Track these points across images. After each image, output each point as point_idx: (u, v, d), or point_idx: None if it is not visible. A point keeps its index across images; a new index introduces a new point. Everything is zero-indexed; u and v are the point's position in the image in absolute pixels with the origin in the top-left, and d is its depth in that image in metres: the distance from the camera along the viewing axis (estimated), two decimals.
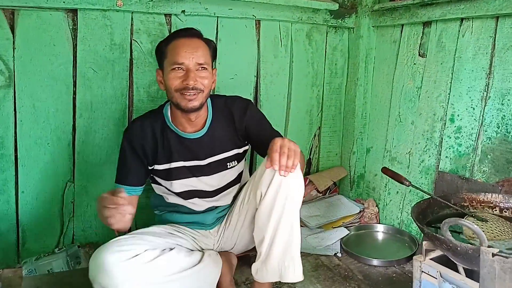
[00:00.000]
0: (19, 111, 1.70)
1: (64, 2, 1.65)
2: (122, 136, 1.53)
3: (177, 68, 1.42)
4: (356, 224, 2.21)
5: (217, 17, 1.98)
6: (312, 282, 1.76)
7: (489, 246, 1.08)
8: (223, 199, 1.64)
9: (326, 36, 2.32)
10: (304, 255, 1.95)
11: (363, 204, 2.29)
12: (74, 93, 1.77)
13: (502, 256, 1.06)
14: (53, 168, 1.79)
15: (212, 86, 1.51)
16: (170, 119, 1.53)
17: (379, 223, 2.21)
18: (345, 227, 2.16)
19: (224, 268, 1.61)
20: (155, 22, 1.86)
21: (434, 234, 1.21)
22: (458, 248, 1.15)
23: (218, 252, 1.66)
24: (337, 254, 1.96)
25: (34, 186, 1.76)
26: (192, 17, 1.91)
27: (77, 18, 1.72)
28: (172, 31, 1.87)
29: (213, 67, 1.52)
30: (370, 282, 1.75)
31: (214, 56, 1.53)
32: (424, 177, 1.99)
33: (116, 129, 1.87)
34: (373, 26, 2.27)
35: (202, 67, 1.44)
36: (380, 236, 2.14)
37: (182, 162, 1.53)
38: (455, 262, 1.28)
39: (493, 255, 1.07)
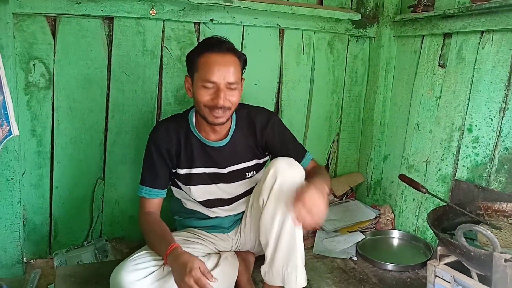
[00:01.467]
0: (57, 111, 1.81)
1: (102, 10, 1.76)
2: (147, 141, 1.56)
3: (208, 85, 1.42)
4: (372, 229, 2.25)
5: (243, 25, 2.07)
6: (328, 283, 1.81)
7: (501, 253, 1.13)
8: (240, 207, 1.69)
9: (348, 45, 2.38)
10: (320, 257, 2.02)
11: (379, 210, 2.33)
12: (108, 95, 1.88)
13: None
14: (85, 165, 1.89)
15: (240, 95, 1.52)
16: (194, 125, 1.56)
17: (395, 229, 2.25)
18: (361, 231, 2.20)
19: (241, 267, 1.68)
20: (185, 30, 1.96)
21: (449, 239, 1.26)
22: (472, 253, 1.20)
23: (236, 252, 1.73)
24: (353, 258, 2.01)
25: (67, 182, 1.87)
26: (220, 25, 2.00)
27: (112, 25, 1.83)
28: (201, 39, 1.96)
29: (242, 78, 1.53)
30: (384, 286, 1.79)
31: (244, 68, 1.53)
32: (441, 185, 2.03)
33: (145, 130, 1.95)
34: (394, 36, 2.32)
35: (232, 85, 1.44)
36: (395, 242, 2.19)
37: (203, 168, 1.57)
38: (468, 267, 1.33)
39: (506, 260, 1.12)
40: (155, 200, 1.53)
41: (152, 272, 1.39)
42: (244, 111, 1.60)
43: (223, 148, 1.56)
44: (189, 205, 1.65)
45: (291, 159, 1.48)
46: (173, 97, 2.00)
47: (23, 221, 1.77)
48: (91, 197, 1.93)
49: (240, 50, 1.58)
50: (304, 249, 1.51)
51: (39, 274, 1.29)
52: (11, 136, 1.45)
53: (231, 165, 1.59)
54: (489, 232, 1.14)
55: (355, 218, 2.27)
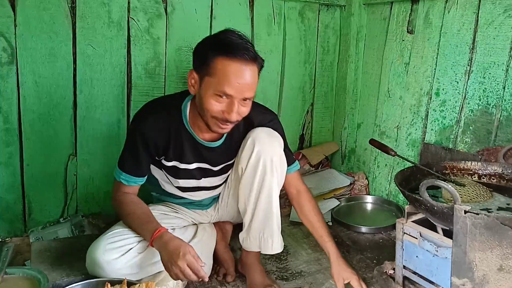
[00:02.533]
0: (22, 87, 1.76)
1: None
2: (132, 123, 1.47)
3: (221, 96, 1.27)
4: (347, 195, 2.31)
5: None
6: (304, 248, 1.87)
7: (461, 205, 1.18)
8: (220, 190, 1.68)
9: (318, 14, 2.38)
10: (296, 224, 2.07)
11: (354, 177, 2.39)
12: (74, 69, 1.84)
13: (473, 212, 1.16)
14: (56, 142, 1.86)
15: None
16: (188, 119, 1.42)
17: (369, 195, 2.31)
18: (336, 198, 2.26)
19: (218, 236, 1.71)
20: (151, 0, 1.92)
21: (414, 196, 1.30)
22: (435, 208, 1.25)
23: (215, 223, 1.76)
24: (328, 223, 2.06)
25: (38, 159, 1.84)
26: None
27: None
28: (169, 10, 1.92)
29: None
30: (358, 247, 1.86)
31: (260, 70, 1.36)
32: (411, 149, 2.08)
33: (116, 105, 1.94)
34: (364, 4, 2.33)
35: (248, 100, 1.31)
36: (369, 206, 2.25)
37: (193, 164, 1.50)
38: (433, 222, 1.38)
39: (465, 212, 1.17)
40: (133, 187, 1.47)
41: (129, 250, 1.40)
42: None
43: (217, 148, 1.49)
44: (168, 188, 1.60)
45: (270, 130, 1.48)
46: (143, 70, 1.97)
47: None
48: (64, 173, 1.90)
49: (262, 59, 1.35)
50: (282, 217, 1.54)
51: (12, 248, 1.29)
52: None
53: (223, 163, 1.56)
54: (449, 185, 1.19)
55: (330, 186, 2.32)
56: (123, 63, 1.92)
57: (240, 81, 1.24)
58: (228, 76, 1.23)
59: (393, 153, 1.71)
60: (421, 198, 1.27)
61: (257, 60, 1.29)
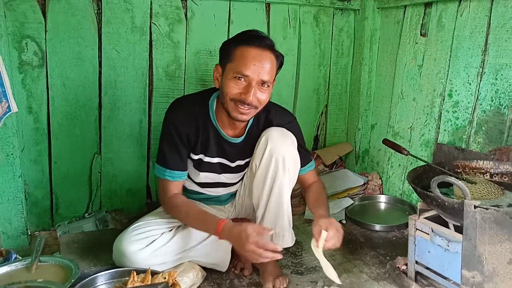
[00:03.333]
0: (51, 89, 1.87)
1: None
2: (165, 120, 1.53)
3: (239, 78, 1.38)
4: (361, 195, 2.36)
5: (230, 0, 2.12)
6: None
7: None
8: (237, 186, 1.75)
9: (333, 18, 2.44)
10: (311, 221, 2.10)
11: (367, 177, 2.43)
12: (100, 72, 1.94)
13: (483, 207, 1.21)
14: (81, 141, 1.97)
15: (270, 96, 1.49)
16: (214, 115, 1.53)
17: (382, 194, 2.35)
18: (350, 197, 2.31)
19: None
20: (172, 6, 2.01)
21: (425, 192, 1.35)
22: (446, 203, 1.29)
23: (233, 219, 1.82)
24: (342, 221, 2.11)
25: (65, 157, 1.94)
26: (207, 1, 2.05)
27: (101, 3, 1.88)
28: (189, 15, 2.01)
29: (275, 79, 1.49)
30: (371, 244, 1.90)
31: (279, 68, 1.48)
32: (424, 150, 2.12)
33: (138, 106, 2.03)
34: (378, 8, 2.38)
35: (264, 84, 1.40)
36: (382, 205, 2.29)
37: (215, 158, 1.59)
38: (445, 218, 1.43)
39: (475, 207, 1.21)
40: (179, 182, 1.55)
41: (153, 241, 1.50)
42: (265, 109, 1.52)
43: (238, 144, 1.58)
44: (188, 184, 1.67)
45: (284, 129, 1.54)
46: (164, 72, 2.06)
47: (25, 195, 1.84)
48: (89, 171, 2.00)
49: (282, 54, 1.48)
50: (297, 215, 1.60)
51: (44, 239, 1.38)
52: (10, 112, 1.52)
53: (240, 160, 1.63)
54: (459, 181, 1.24)
55: (344, 185, 2.36)
56: (145, 66, 2.02)
57: (256, 63, 1.36)
58: (245, 59, 1.37)
59: (406, 152, 1.75)
60: (433, 194, 1.31)
61: (273, 49, 1.43)
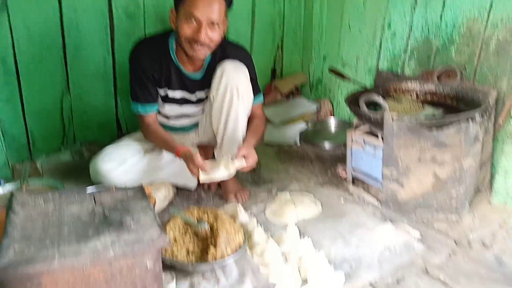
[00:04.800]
0: (15, 32, 1.94)
1: None
2: (130, 60, 1.69)
3: (190, 20, 1.51)
4: (314, 120, 2.61)
5: None
6: (276, 162, 2.20)
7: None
8: (200, 117, 1.94)
9: None
10: (269, 145, 2.38)
11: (320, 103, 2.68)
12: (61, 14, 2.01)
13: (398, 119, 1.48)
14: (50, 80, 2.08)
15: (222, 35, 1.62)
16: (175, 53, 1.69)
17: (333, 118, 2.61)
18: (304, 122, 2.56)
19: (202, 155, 2.00)
20: None
21: (356, 108, 1.60)
22: (372, 118, 1.55)
23: (198, 145, 2.04)
24: (296, 143, 2.38)
25: (35, 96, 2.07)
26: None
27: None
28: None
29: (226, 18, 1.61)
30: (320, 159, 2.20)
31: (228, 9, 1.61)
32: (368, 76, 2.37)
33: (101, 45, 2.14)
34: None
35: (214, 24, 1.53)
36: (332, 128, 2.57)
37: (177, 92, 1.75)
38: (373, 131, 1.70)
39: (393, 119, 1.48)
40: (152, 114, 1.76)
41: (125, 160, 1.73)
42: (221, 46, 1.66)
43: (197, 78, 1.74)
44: (157, 118, 1.86)
45: (237, 62, 1.71)
46: (124, 13, 2.15)
47: (2, 132, 1.97)
48: (60, 108, 2.15)
49: None
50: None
51: (29, 166, 1.56)
52: None
53: (200, 92, 1.80)
54: (380, 98, 1.49)
55: (299, 111, 2.61)
56: (105, 7, 2.10)
57: (205, 5, 1.50)
58: (195, 1, 1.50)
59: (347, 78, 1.99)
60: (362, 111, 1.57)
61: None
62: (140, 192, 1.04)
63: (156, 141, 1.75)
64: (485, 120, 1.57)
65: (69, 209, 0.94)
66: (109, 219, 0.91)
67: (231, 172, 1.54)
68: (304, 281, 1.32)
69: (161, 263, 0.87)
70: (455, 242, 1.48)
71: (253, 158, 1.60)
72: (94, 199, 1.00)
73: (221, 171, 1.51)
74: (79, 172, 1.87)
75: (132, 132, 2.01)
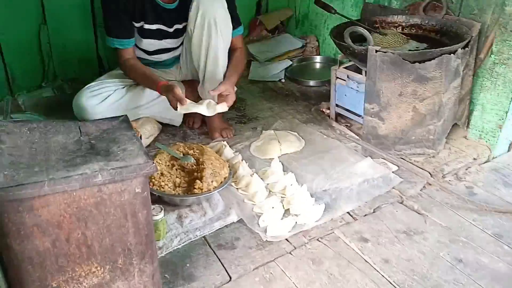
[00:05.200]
0: None
1: None
2: None
3: None
4: (299, 56, 2.59)
5: None
6: (260, 100, 2.20)
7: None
8: (180, 50, 1.89)
9: None
10: (254, 82, 2.38)
11: (306, 40, 2.64)
12: None
13: (381, 51, 1.48)
14: (24, 11, 1.99)
15: None
16: None
17: (318, 55, 2.59)
18: (289, 59, 2.54)
19: (187, 92, 1.99)
20: None
21: (341, 42, 1.59)
22: (356, 51, 1.55)
23: (182, 81, 2.02)
24: (281, 80, 2.38)
25: (10, 29, 1.98)
26: None
27: None
28: None
29: None
30: (305, 97, 2.21)
31: None
32: (355, 10, 2.32)
33: None
34: None
35: None
36: (318, 65, 2.56)
37: (153, 25, 1.70)
38: (358, 66, 1.71)
39: (376, 51, 1.48)
40: (129, 49, 1.71)
41: (108, 97, 1.72)
42: None
43: (173, 9, 1.69)
44: (137, 53, 1.79)
45: None
46: None
47: None
48: (38, 42, 2.07)
49: None
50: (241, 77, 1.80)
51: (11, 100, 1.54)
52: None
53: (177, 24, 1.74)
54: (365, 30, 1.47)
55: (284, 48, 2.57)
56: None
57: None
58: None
59: (333, 11, 1.95)
60: (346, 44, 1.56)
61: None
62: (125, 123, 1.05)
63: (136, 76, 1.72)
64: (467, 54, 1.58)
65: (55, 138, 0.95)
66: (95, 148, 0.92)
67: (210, 113, 1.54)
68: (287, 211, 1.38)
69: (148, 190, 0.90)
70: (430, 174, 1.55)
71: (232, 98, 1.60)
72: (80, 129, 1.00)
73: (201, 108, 1.51)
74: (62, 108, 1.85)
75: (114, 68, 1.97)
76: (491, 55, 1.59)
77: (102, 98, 1.71)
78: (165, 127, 1.90)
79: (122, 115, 1.10)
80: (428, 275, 1.14)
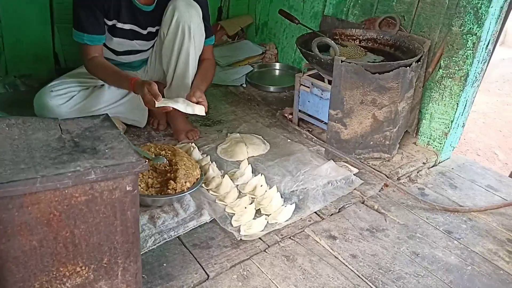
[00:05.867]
0: None
1: None
2: None
3: None
4: (259, 63, 2.66)
5: None
6: (223, 103, 2.23)
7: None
8: (148, 53, 1.88)
9: None
10: (216, 86, 2.40)
11: (265, 47, 2.72)
12: None
13: (347, 62, 1.58)
14: None
15: None
16: None
17: (277, 62, 2.68)
18: (250, 65, 2.60)
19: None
20: None
21: (308, 52, 1.68)
22: (322, 60, 1.64)
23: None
24: (243, 85, 2.43)
25: None
26: None
27: None
28: None
29: None
30: (266, 102, 2.28)
31: None
32: (313, 21, 2.43)
33: None
34: None
35: None
36: (277, 72, 2.64)
37: (127, 25, 1.68)
38: (322, 75, 1.80)
39: (342, 61, 1.58)
40: (98, 46, 1.64)
41: (72, 97, 1.67)
42: None
43: (149, 12, 1.67)
44: (104, 52, 1.72)
45: (190, 0, 1.66)
46: None
47: None
48: None
49: None
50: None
51: None
52: None
53: (151, 27, 1.73)
54: (331, 41, 1.57)
55: (245, 54, 2.63)
56: None
57: None
58: None
59: (297, 21, 2.04)
60: (313, 53, 1.65)
61: None
62: (108, 121, 1.04)
63: (105, 73, 1.66)
64: (419, 68, 1.73)
65: (35, 135, 0.92)
66: (80, 146, 0.91)
67: (188, 111, 1.55)
68: (258, 212, 1.43)
69: (138, 188, 0.91)
70: (387, 177, 1.68)
71: (205, 104, 1.60)
72: (60, 126, 0.98)
73: (179, 104, 1.51)
74: (17, 105, 1.77)
75: (72, 66, 1.91)
76: (439, 70, 1.76)
77: (67, 98, 1.66)
78: (129, 128, 1.87)
79: (102, 114, 1.09)
80: (391, 268, 1.24)
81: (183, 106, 1.50)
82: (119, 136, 0.98)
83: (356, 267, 1.24)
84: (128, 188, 0.88)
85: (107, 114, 1.09)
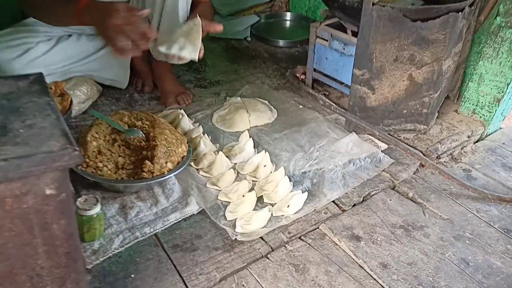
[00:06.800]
0: None
1: None
2: None
3: None
4: (267, 12, 2.28)
5: None
6: (223, 60, 1.89)
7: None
8: None
9: None
10: (215, 39, 2.04)
11: None
12: None
13: (380, 4, 1.21)
14: None
15: None
16: None
17: (289, 11, 2.29)
18: (256, 14, 2.22)
19: None
20: None
21: None
22: (347, 3, 1.27)
23: None
24: (247, 38, 2.06)
25: None
26: None
27: None
28: None
29: None
30: (274, 59, 1.92)
31: None
32: None
33: None
34: None
35: None
36: (288, 23, 2.26)
37: None
38: (344, 24, 1.43)
39: (373, 4, 1.20)
40: None
41: (28, 50, 1.33)
42: None
43: None
44: None
45: None
46: None
47: None
48: None
49: None
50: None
51: None
52: None
53: None
54: None
55: (250, 2, 2.25)
56: None
57: None
58: None
59: None
60: None
61: None
62: (38, 83, 0.71)
63: (43, 3, 1.22)
64: (471, 15, 1.35)
65: None
66: None
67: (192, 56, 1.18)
68: (260, 200, 1.12)
69: (70, 189, 0.60)
70: (423, 154, 1.34)
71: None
72: None
73: (187, 45, 1.14)
74: None
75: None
76: (497, 17, 1.37)
77: (21, 51, 1.32)
78: (106, 89, 1.55)
79: (35, 73, 0.76)
80: (435, 284, 0.94)
81: (190, 48, 1.14)
82: (47, 106, 0.65)
83: (388, 281, 0.93)
84: (48, 192, 0.56)
85: (41, 73, 0.76)
